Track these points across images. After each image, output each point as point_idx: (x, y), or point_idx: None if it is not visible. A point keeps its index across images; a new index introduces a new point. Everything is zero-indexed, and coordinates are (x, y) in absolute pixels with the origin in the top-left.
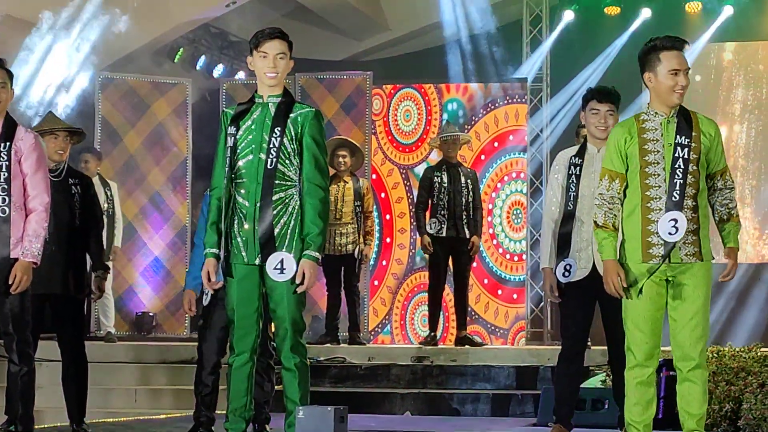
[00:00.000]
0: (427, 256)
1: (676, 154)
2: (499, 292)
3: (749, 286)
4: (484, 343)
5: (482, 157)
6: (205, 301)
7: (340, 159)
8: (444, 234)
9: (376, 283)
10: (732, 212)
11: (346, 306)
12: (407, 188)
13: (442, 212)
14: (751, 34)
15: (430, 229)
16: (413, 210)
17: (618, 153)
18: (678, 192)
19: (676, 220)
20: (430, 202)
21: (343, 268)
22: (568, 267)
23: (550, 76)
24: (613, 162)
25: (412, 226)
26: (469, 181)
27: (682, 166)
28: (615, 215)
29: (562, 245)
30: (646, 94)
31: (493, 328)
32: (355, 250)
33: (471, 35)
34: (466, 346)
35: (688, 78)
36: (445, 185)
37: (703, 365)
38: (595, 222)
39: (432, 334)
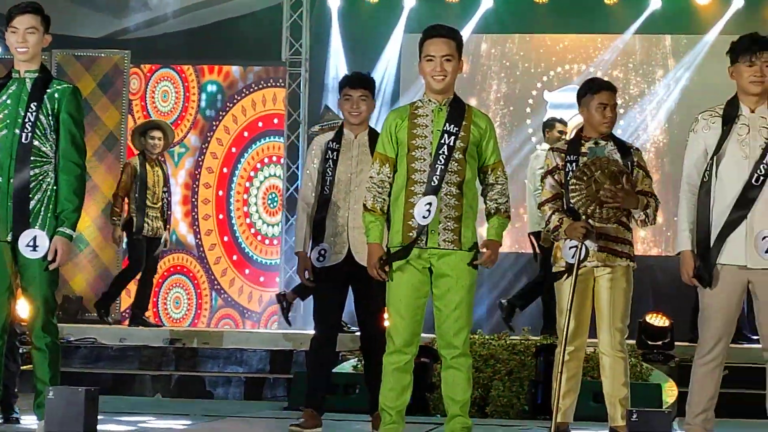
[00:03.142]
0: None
1: (442, 141)
2: (247, 271)
3: (508, 272)
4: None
5: (245, 134)
6: None
7: (156, 141)
8: None
9: None
10: (501, 207)
11: (139, 286)
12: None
13: None
14: (507, 26)
15: None
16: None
17: (389, 138)
18: (438, 177)
19: (430, 204)
20: None
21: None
22: (322, 252)
23: (309, 61)
24: (385, 146)
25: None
26: None
27: (446, 153)
28: (384, 199)
29: (318, 230)
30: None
31: (246, 311)
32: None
33: (231, 17)
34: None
35: (451, 65)
36: None
37: (467, 353)
38: (364, 205)
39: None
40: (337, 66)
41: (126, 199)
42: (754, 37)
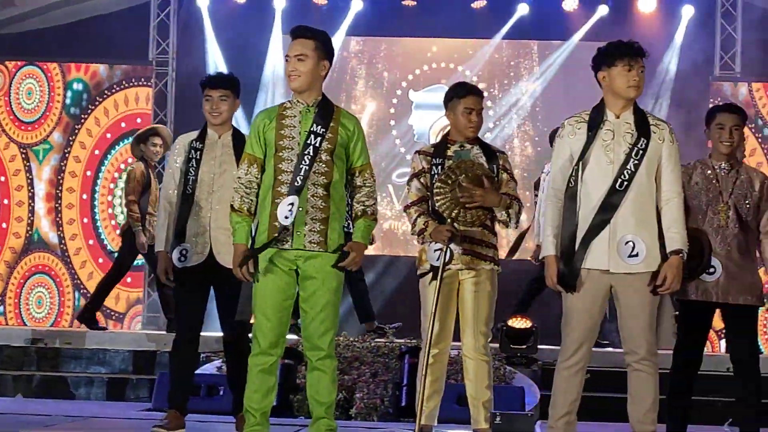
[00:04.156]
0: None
1: (308, 141)
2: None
3: (373, 276)
4: None
5: (108, 135)
6: None
7: (158, 147)
8: None
9: None
10: (368, 209)
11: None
12: (26, 167)
13: None
14: (377, 29)
15: None
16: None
17: (257, 138)
18: (302, 177)
19: (292, 204)
20: None
21: None
22: (184, 252)
23: (176, 61)
24: (253, 147)
25: (29, 195)
26: None
27: (311, 154)
28: (251, 200)
29: (180, 230)
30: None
31: (109, 311)
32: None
33: (99, 15)
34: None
35: (304, 65)
36: None
37: (332, 355)
38: (231, 205)
39: None
40: (217, 66)
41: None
42: (630, 43)
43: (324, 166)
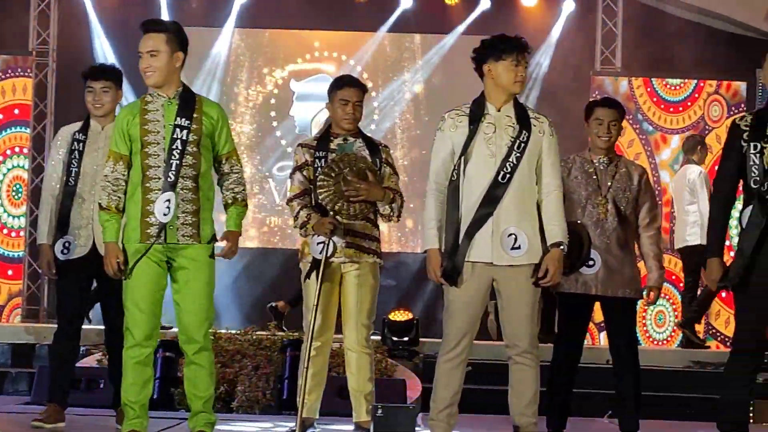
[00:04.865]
0: None
1: (175, 135)
2: None
3: (254, 268)
4: None
5: None
6: None
7: None
8: None
9: None
10: (238, 196)
11: None
12: None
13: None
14: (260, 21)
15: None
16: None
17: (122, 135)
18: (174, 173)
19: (169, 201)
20: None
21: None
22: (66, 244)
23: (57, 51)
24: (118, 144)
25: None
26: None
27: (180, 147)
28: (119, 197)
29: (62, 222)
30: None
31: None
32: None
33: None
34: None
35: (158, 59)
36: None
37: (209, 347)
38: (99, 204)
39: None
40: (105, 56)
41: None
42: (519, 37)
43: (191, 158)
